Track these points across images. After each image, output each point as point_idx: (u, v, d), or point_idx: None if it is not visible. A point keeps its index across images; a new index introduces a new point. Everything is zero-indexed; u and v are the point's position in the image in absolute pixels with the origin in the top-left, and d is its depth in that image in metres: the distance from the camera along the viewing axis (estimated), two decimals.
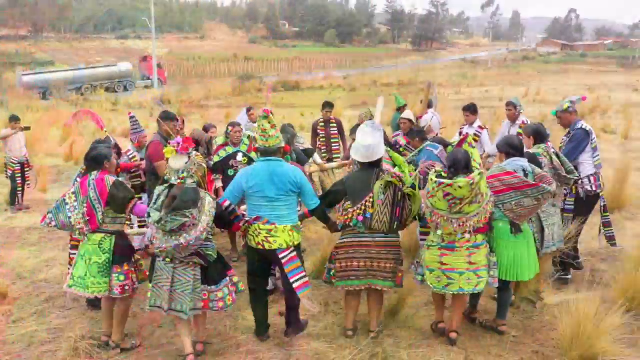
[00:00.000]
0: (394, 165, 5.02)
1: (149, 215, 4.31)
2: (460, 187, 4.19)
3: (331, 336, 4.98)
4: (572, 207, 5.98)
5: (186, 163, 4.40)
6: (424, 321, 5.22)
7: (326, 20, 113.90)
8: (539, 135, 5.59)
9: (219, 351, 4.73)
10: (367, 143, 4.67)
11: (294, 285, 4.53)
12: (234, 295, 4.61)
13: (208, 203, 4.28)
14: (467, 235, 4.44)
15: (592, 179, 5.93)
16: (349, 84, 47.75)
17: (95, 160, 4.68)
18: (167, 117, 6.29)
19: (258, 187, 4.53)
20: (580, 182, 5.89)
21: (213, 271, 4.50)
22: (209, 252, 4.41)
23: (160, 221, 4.16)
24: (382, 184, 4.58)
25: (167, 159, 4.56)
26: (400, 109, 9.24)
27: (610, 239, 6.14)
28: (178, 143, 4.49)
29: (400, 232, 5.01)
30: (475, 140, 8.07)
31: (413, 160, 6.05)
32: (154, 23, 43.29)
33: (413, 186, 4.64)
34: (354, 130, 8.06)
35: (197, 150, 6.95)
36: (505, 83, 49.06)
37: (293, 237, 4.61)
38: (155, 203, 4.30)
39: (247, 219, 4.63)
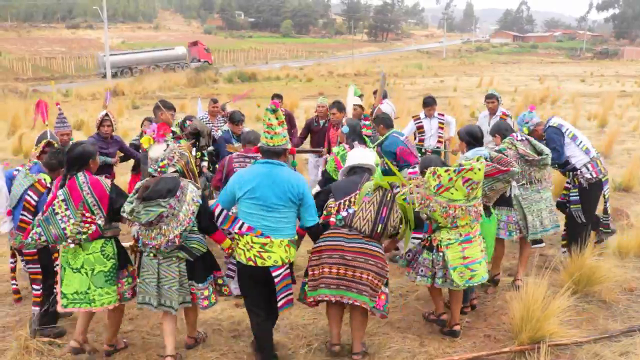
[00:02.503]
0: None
1: (123, 209, 4.00)
2: (479, 170, 4.31)
3: (288, 326, 4.99)
4: (577, 197, 5.85)
5: (164, 151, 4.21)
6: None
7: (282, 11, 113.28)
8: (502, 132, 5.61)
9: (179, 344, 4.64)
10: (359, 152, 4.65)
11: (279, 304, 4.11)
12: (217, 295, 4.36)
13: (190, 192, 4.02)
14: (476, 223, 4.54)
15: (589, 166, 5.76)
16: (305, 75, 47.61)
17: (81, 158, 4.14)
18: (165, 105, 5.87)
19: (253, 193, 3.96)
20: (578, 172, 5.77)
21: (200, 267, 4.21)
22: (194, 245, 4.11)
23: (132, 212, 3.91)
24: (372, 184, 4.28)
25: (145, 149, 4.35)
26: None
27: (605, 227, 6.05)
28: (154, 130, 4.29)
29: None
30: (442, 128, 8.24)
31: (380, 146, 6.06)
32: (106, 12, 42.12)
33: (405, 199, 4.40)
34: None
35: (198, 140, 6.57)
36: (459, 73, 49.84)
37: (289, 253, 4.07)
38: (132, 195, 4.02)
39: (237, 228, 4.06)
